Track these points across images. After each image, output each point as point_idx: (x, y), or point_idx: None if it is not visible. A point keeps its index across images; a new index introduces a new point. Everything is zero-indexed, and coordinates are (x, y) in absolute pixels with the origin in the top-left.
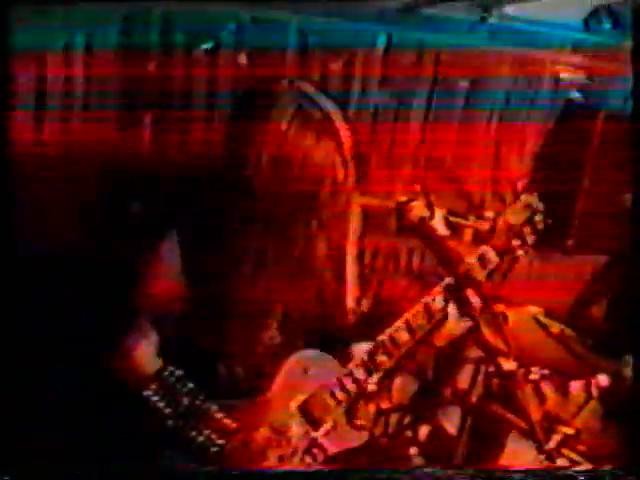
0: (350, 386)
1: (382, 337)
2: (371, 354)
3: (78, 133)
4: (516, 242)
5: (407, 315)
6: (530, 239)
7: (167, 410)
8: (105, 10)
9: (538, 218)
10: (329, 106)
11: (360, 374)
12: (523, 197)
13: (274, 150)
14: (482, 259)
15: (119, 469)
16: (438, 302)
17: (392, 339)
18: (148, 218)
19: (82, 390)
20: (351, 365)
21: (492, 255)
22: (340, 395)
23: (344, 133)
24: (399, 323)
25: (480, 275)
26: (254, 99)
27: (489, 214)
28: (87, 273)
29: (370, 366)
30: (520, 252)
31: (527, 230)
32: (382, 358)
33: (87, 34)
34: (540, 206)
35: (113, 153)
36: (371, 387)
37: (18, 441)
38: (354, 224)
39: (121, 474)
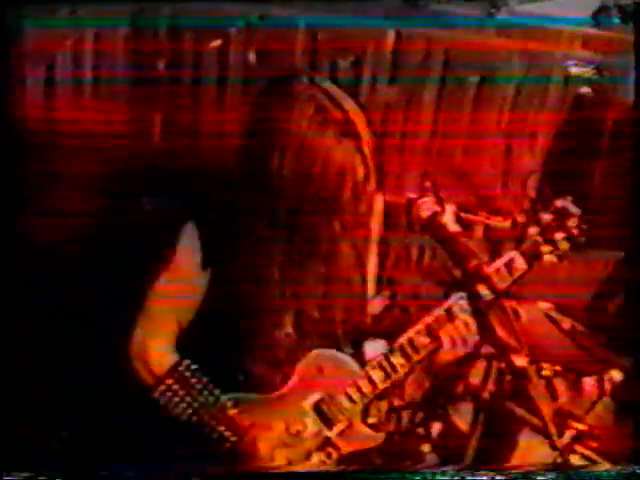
0: (366, 388)
1: (401, 340)
2: (388, 356)
3: (89, 124)
4: (547, 248)
5: (428, 319)
6: (563, 245)
7: (182, 405)
8: (113, 8)
9: (573, 223)
10: (349, 104)
11: (376, 376)
12: (558, 201)
13: (294, 150)
14: (509, 265)
15: (131, 466)
16: (461, 307)
17: (411, 342)
18: (164, 211)
19: (96, 385)
20: (368, 366)
21: (520, 262)
22: (355, 396)
23: (364, 132)
24: (419, 326)
25: (506, 282)
26: (273, 97)
27: (514, 213)
28: (101, 265)
29: (387, 368)
30: (550, 258)
31: (560, 236)
32: (400, 361)
33: (96, 31)
34: (576, 210)
35: (125, 148)
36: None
37: (28, 438)
38: (375, 223)
39: (134, 472)
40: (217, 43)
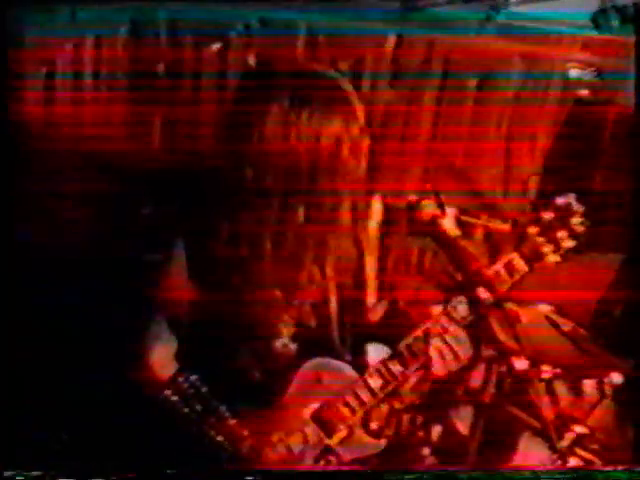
0: (364, 395)
1: (399, 346)
2: (387, 363)
3: (88, 130)
4: (549, 248)
5: (427, 324)
6: (567, 244)
7: (180, 415)
8: (113, 11)
9: (576, 220)
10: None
11: (375, 384)
12: (559, 198)
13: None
14: (509, 267)
15: (132, 472)
16: (460, 311)
17: (409, 348)
18: (157, 219)
19: (98, 392)
20: (366, 374)
21: (520, 263)
22: (354, 404)
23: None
24: (418, 332)
25: (506, 284)
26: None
27: (512, 215)
28: (98, 272)
29: (386, 375)
30: (554, 258)
31: (563, 234)
32: (398, 368)
33: (96, 35)
34: (579, 208)
35: (122, 153)
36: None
37: (28, 438)
38: (374, 225)
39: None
40: (217, 47)
